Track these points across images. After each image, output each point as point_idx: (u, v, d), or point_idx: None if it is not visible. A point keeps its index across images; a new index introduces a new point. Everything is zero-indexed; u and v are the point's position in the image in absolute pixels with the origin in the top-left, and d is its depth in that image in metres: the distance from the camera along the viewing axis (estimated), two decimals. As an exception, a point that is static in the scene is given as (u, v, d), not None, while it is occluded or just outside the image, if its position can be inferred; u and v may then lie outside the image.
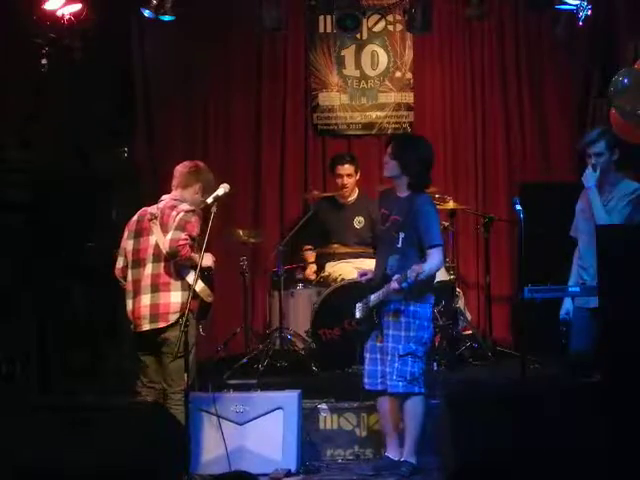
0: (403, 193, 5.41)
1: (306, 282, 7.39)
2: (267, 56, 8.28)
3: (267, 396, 5.84)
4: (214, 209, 5.09)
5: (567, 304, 5.61)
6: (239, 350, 7.26)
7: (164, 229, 5.21)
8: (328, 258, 7.38)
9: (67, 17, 6.66)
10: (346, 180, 7.39)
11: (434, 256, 5.26)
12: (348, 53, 8.31)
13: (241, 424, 5.72)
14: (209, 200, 5.16)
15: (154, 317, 5.16)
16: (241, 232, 7.27)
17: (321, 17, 8.23)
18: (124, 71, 8.00)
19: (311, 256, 7.57)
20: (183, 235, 5.14)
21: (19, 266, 6.72)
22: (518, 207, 5.46)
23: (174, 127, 8.22)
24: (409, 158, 5.36)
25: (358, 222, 7.40)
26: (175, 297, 5.16)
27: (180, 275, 5.18)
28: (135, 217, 5.37)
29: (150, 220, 5.25)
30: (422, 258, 5.22)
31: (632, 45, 6.86)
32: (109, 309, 6.75)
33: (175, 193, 5.38)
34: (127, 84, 8.06)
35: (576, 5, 6.72)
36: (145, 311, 5.17)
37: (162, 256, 5.19)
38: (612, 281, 4.26)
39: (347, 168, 7.40)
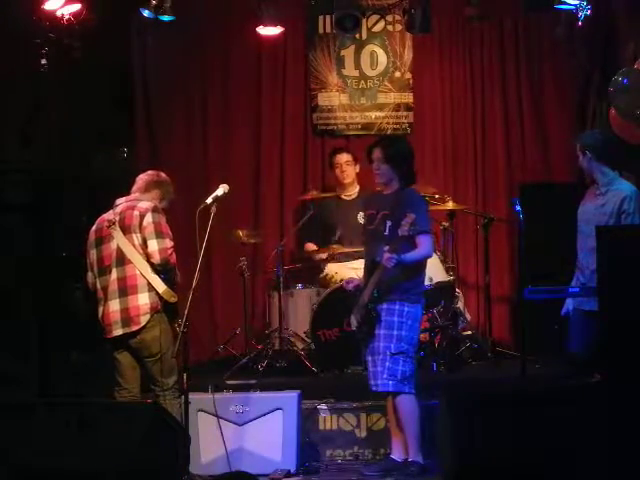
0: (390, 191, 5.47)
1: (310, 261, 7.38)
2: (267, 56, 8.27)
3: (267, 396, 5.84)
4: (214, 209, 5.09)
5: (568, 304, 5.62)
6: (239, 350, 7.26)
7: (127, 231, 5.20)
8: (332, 258, 7.32)
9: (67, 17, 6.66)
10: (345, 168, 7.42)
11: (424, 243, 5.29)
12: (347, 53, 8.30)
13: (241, 424, 5.72)
14: (208, 200, 5.16)
15: (125, 321, 5.17)
16: (241, 232, 7.26)
17: (321, 17, 8.23)
18: (124, 71, 7.99)
19: (312, 246, 7.49)
20: (169, 242, 5.16)
21: (19, 266, 6.71)
22: (518, 207, 5.47)
23: (174, 127, 8.21)
24: (399, 159, 5.43)
25: (362, 217, 7.37)
26: (143, 299, 5.17)
27: (144, 277, 5.19)
28: (94, 227, 5.38)
29: (108, 227, 5.25)
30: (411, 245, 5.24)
31: (632, 45, 6.86)
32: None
33: (132, 196, 5.38)
34: (127, 84, 8.05)
35: (576, 5, 6.71)
36: (116, 316, 5.19)
37: (126, 260, 5.19)
38: (612, 281, 4.26)
39: (345, 156, 7.47)
